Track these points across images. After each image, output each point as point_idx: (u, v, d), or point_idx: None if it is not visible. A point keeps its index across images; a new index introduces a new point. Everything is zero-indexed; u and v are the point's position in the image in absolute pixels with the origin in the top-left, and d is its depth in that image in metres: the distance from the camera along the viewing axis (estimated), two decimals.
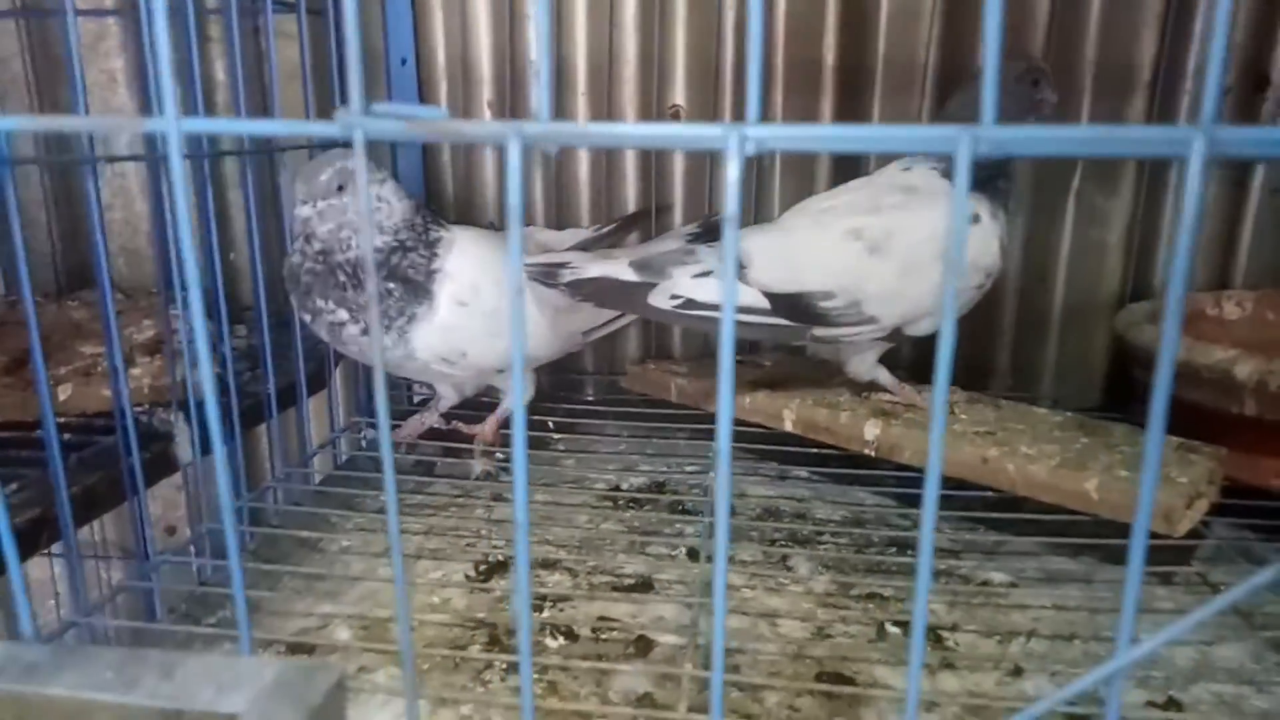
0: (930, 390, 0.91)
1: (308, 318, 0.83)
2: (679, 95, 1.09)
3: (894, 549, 0.80)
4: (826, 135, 0.24)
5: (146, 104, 1.11)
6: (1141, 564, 0.27)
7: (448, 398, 0.98)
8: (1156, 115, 1.02)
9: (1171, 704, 0.60)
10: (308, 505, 0.89)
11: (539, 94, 0.22)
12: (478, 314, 0.84)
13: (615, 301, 0.88)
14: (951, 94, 0.96)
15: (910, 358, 1.05)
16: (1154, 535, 0.72)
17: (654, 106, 1.10)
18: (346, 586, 0.74)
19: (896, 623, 0.69)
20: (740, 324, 0.86)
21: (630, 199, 1.13)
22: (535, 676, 0.62)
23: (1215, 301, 0.99)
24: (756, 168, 1.10)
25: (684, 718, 0.56)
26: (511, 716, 0.58)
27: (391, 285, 0.83)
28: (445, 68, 1.12)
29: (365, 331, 0.81)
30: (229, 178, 1.13)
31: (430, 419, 0.97)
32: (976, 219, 0.85)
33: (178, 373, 0.76)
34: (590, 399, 1.14)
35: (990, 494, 0.79)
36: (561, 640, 0.67)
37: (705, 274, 0.86)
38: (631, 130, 0.24)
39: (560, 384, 1.14)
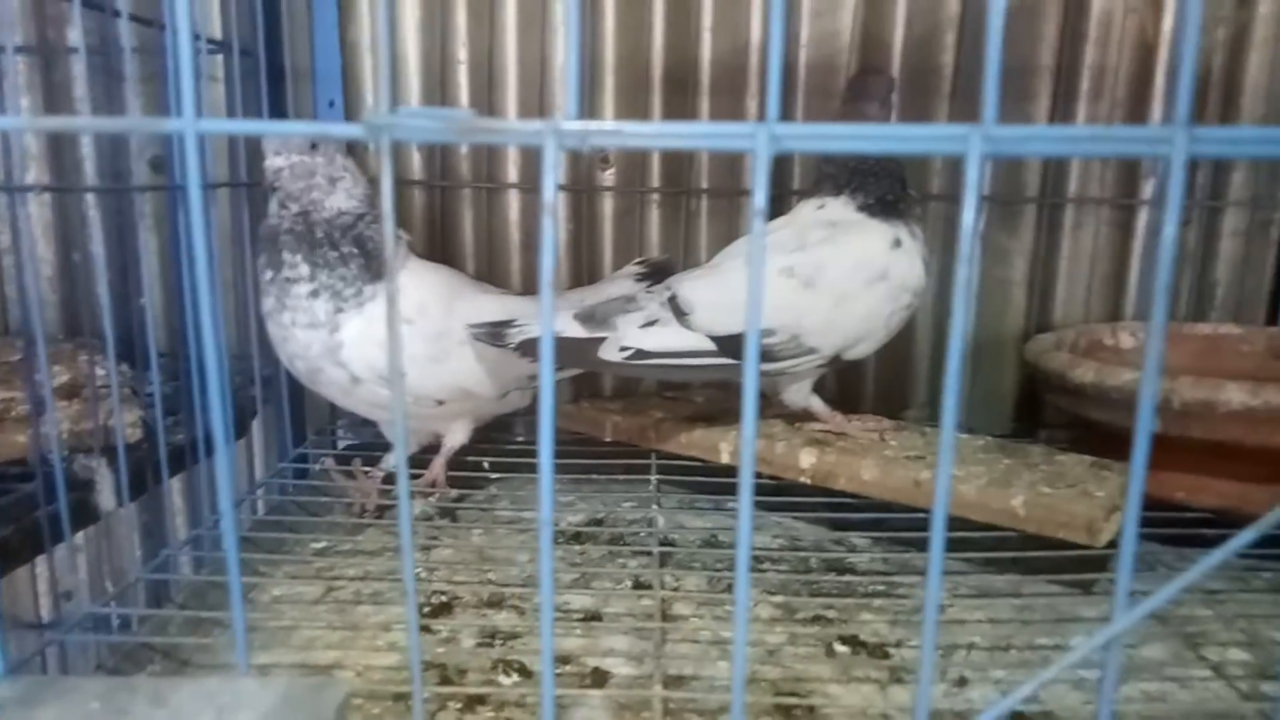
0: (858, 419, 0.96)
1: (268, 275, 0.82)
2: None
3: (833, 572, 0.82)
4: (846, 134, 0.26)
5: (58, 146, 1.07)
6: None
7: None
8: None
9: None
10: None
11: (568, 96, 0.24)
12: (419, 336, 0.84)
13: (565, 358, 0.89)
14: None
15: (834, 389, 1.09)
16: (1076, 547, 0.78)
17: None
18: (284, 636, 0.71)
19: (843, 640, 0.70)
20: (691, 367, 0.89)
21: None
22: (492, 714, 0.61)
23: (1111, 332, 1.06)
24: (685, 210, 1.13)
25: None
26: None
27: (355, 250, 0.82)
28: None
29: (314, 294, 0.81)
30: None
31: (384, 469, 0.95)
32: (898, 242, 0.89)
33: (100, 417, 0.72)
34: (522, 439, 1.13)
35: (923, 515, 0.82)
36: (516, 677, 0.66)
37: (651, 323, 0.88)
38: (663, 129, 0.25)
39: (494, 425, 1.14)
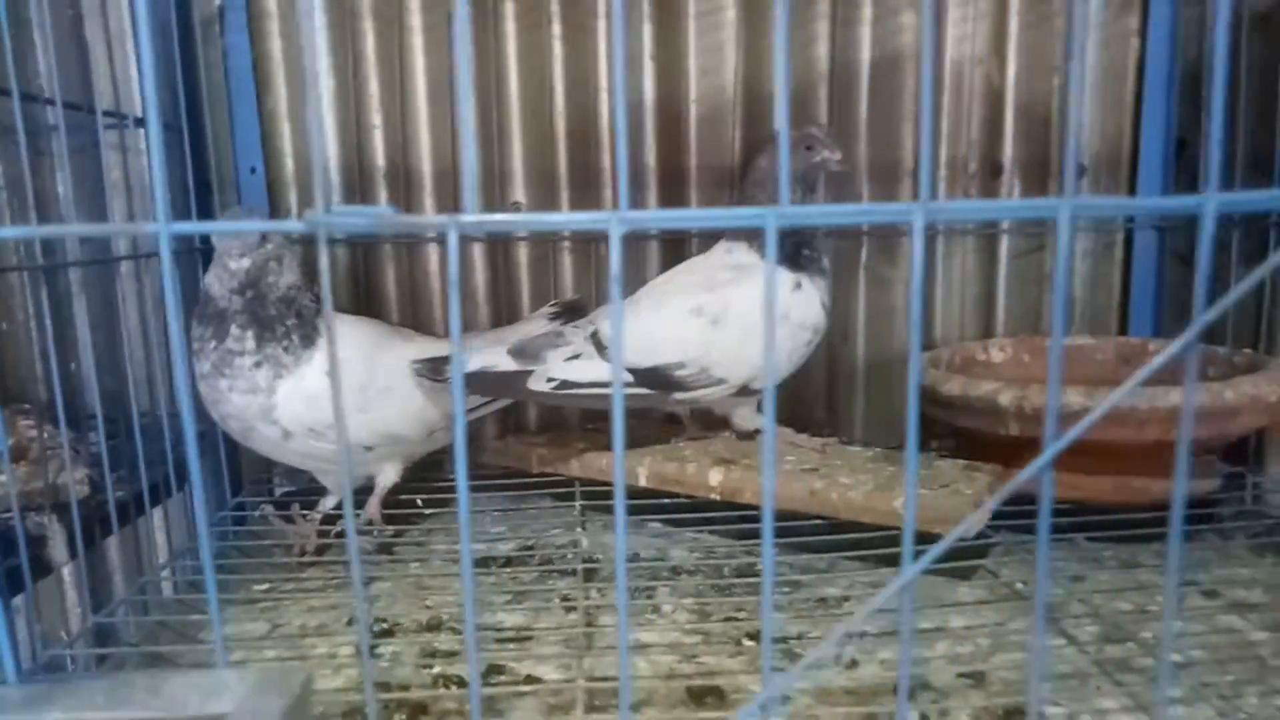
0: (803, 436, 1.04)
1: (211, 344, 0.88)
2: (519, 193, 1.21)
3: (742, 578, 0.91)
4: (678, 216, 0.34)
5: None
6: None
7: (335, 490, 1.02)
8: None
9: (977, 675, 0.73)
10: (182, 597, 0.90)
11: (466, 192, 0.32)
12: (346, 388, 0.90)
13: (497, 389, 0.98)
14: (745, 174, 1.10)
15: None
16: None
17: (497, 201, 1.21)
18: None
19: (750, 636, 0.79)
20: (608, 396, 0.97)
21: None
22: None
23: (983, 348, 1.18)
24: (595, 254, 1.22)
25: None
26: None
27: (296, 320, 0.89)
28: (294, 175, 1.19)
29: (257, 364, 0.87)
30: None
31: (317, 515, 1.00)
32: (799, 286, 1.00)
33: (50, 475, 0.77)
34: (454, 477, 1.19)
35: (820, 521, 0.91)
36: (454, 688, 0.72)
37: (575, 356, 0.97)
38: (538, 218, 0.33)
39: (425, 464, 1.20)
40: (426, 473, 1.19)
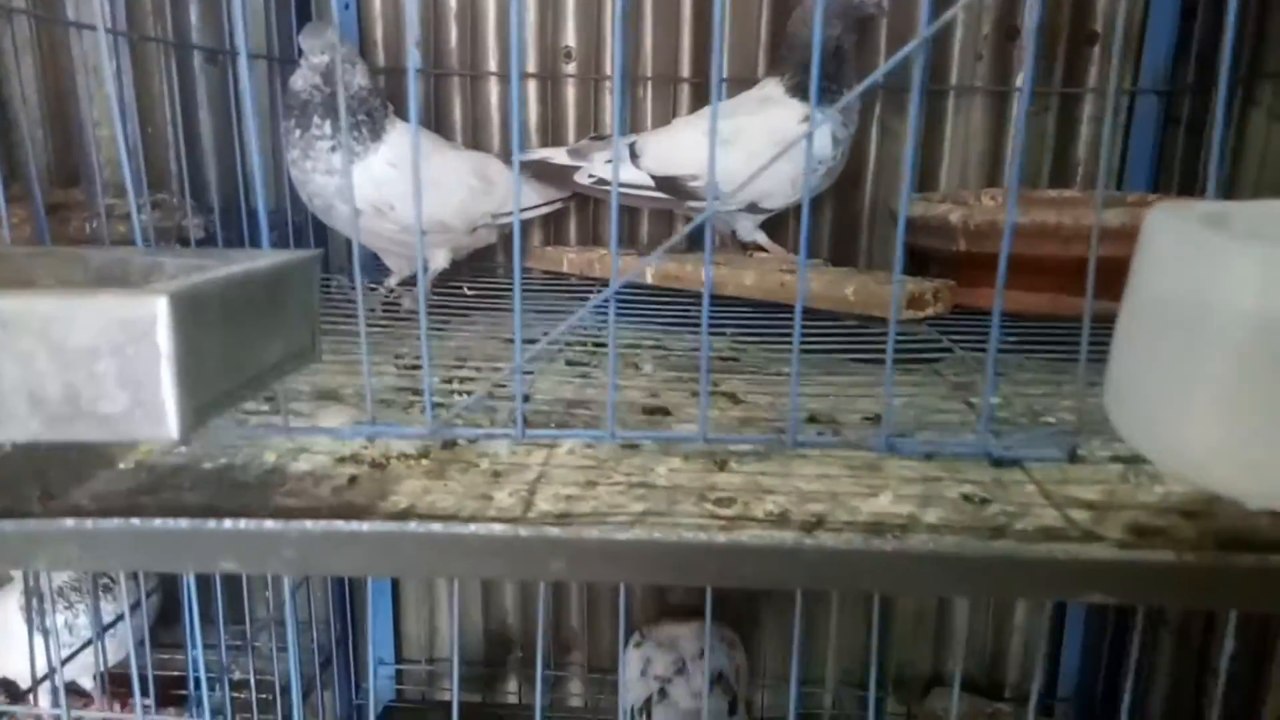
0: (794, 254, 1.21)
1: (297, 134, 1.08)
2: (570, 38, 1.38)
3: (719, 358, 1.09)
4: None
5: None
6: None
7: (396, 270, 1.25)
8: None
9: (876, 417, 0.89)
10: None
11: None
12: (403, 178, 1.11)
13: (551, 177, 1.23)
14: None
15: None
16: (901, 336, 1.03)
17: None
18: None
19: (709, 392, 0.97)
20: (635, 196, 1.22)
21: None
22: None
23: (975, 195, 1.30)
24: (633, 97, 1.39)
25: None
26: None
27: (365, 117, 1.11)
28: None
29: (333, 149, 1.07)
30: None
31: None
32: (808, 117, 1.15)
33: (177, 218, 1.01)
34: (501, 272, 1.41)
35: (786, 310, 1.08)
36: (467, 397, 0.93)
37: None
38: None
39: (473, 267, 1.42)
40: (474, 266, 1.40)
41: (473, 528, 0.53)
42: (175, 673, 1.44)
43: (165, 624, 1.53)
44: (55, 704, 1.22)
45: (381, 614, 1.59)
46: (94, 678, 1.28)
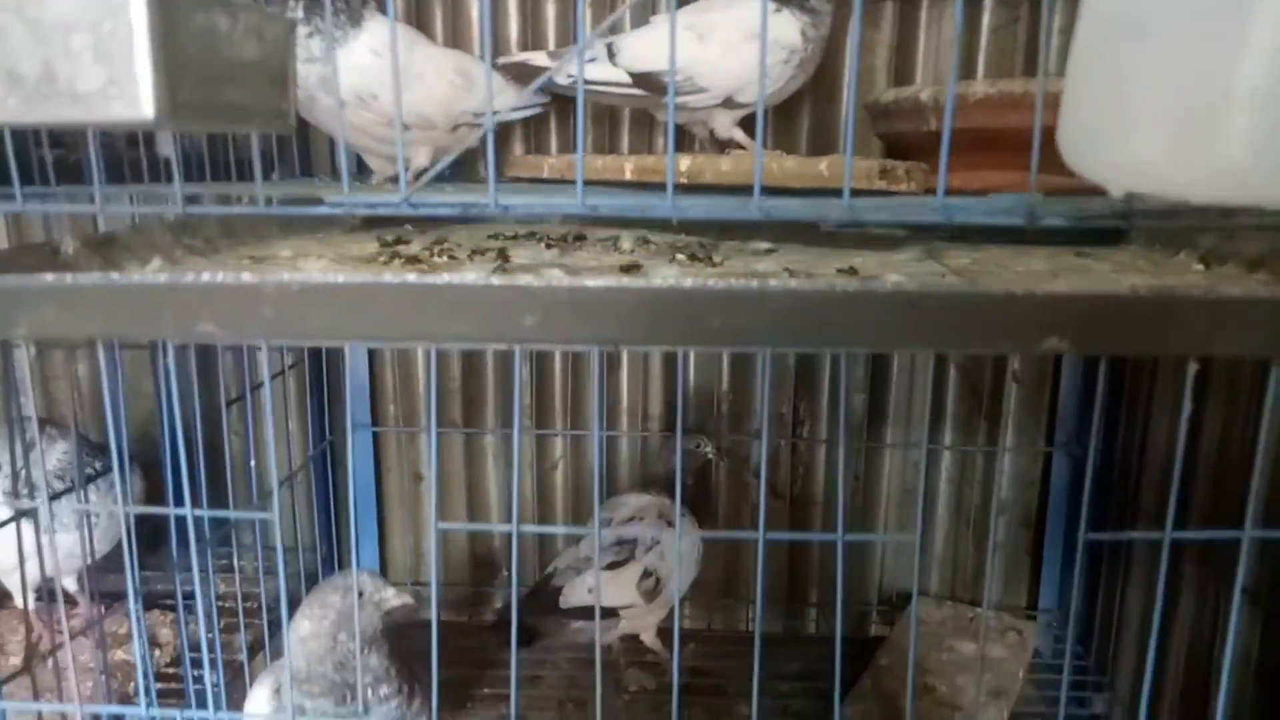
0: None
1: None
2: None
3: (695, 235, 1.10)
4: None
5: None
6: None
7: (379, 171, 1.26)
8: None
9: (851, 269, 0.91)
10: None
11: None
12: (387, 65, 1.12)
13: (531, 78, 1.23)
14: None
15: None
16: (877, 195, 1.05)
17: None
18: None
19: (680, 251, 0.99)
20: (612, 93, 1.23)
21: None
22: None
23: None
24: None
25: None
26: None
27: (339, 4, 1.12)
28: None
29: (310, 35, 1.09)
30: None
31: None
32: (778, 10, 1.17)
33: None
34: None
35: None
36: (448, 259, 0.95)
37: (592, 59, 1.19)
38: None
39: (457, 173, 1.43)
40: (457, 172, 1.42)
41: (446, 277, 0.55)
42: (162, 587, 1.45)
43: (151, 548, 1.54)
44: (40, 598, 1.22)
45: (367, 535, 1.60)
46: (77, 578, 1.28)
